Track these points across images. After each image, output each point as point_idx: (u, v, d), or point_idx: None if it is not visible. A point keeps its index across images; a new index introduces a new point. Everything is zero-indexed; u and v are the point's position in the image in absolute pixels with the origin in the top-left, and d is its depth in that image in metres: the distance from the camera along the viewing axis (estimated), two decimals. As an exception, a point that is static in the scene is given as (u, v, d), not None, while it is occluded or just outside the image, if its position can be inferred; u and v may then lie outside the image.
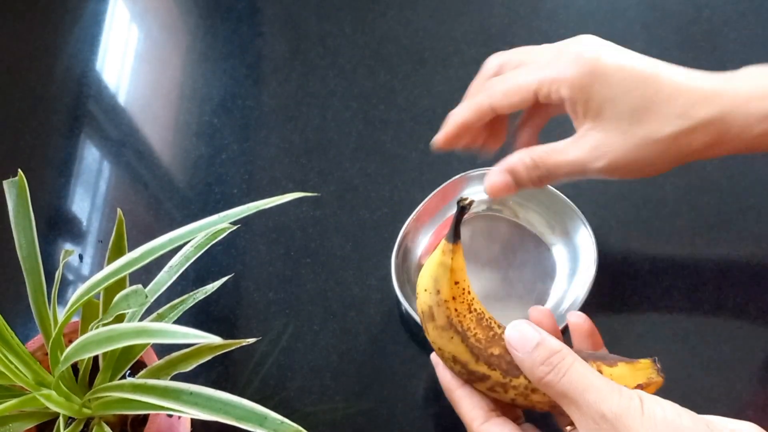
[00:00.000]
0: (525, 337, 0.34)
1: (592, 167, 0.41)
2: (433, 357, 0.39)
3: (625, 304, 0.53)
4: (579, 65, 0.40)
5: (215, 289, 0.44)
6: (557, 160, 0.42)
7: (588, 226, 0.52)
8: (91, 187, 0.63)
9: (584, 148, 0.41)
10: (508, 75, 0.44)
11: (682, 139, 0.39)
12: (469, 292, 0.36)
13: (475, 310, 0.36)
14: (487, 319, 0.36)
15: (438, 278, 0.35)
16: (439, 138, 0.46)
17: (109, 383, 0.38)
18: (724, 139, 0.39)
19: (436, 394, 0.51)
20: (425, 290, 0.36)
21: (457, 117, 0.45)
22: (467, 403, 0.37)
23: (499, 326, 0.37)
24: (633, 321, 0.52)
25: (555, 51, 0.42)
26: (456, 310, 0.36)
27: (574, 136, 0.42)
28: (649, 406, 0.31)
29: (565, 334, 0.45)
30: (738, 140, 0.39)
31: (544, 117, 0.48)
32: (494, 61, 0.47)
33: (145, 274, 0.45)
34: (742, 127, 0.38)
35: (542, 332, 0.34)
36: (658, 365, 0.36)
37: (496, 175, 0.44)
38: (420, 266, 0.54)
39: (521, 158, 0.43)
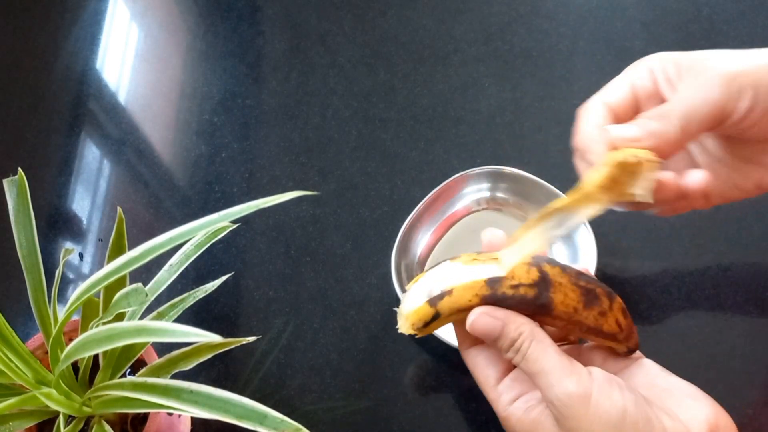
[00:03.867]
0: (486, 329, 0.34)
1: (710, 85, 0.36)
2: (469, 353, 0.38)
3: (624, 302, 0.53)
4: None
5: (215, 287, 0.44)
6: (679, 104, 0.36)
7: (588, 225, 0.52)
8: (92, 186, 0.63)
9: (690, 85, 0.36)
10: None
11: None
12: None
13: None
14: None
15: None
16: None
17: (110, 382, 0.38)
18: None
19: (436, 392, 0.51)
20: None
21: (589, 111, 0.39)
22: (482, 361, 0.37)
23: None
24: (632, 319, 0.52)
25: None
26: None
27: (677, 94, 0.37)
28: (596, 396, 0.31)
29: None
30: None
31: None
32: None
33: (146, 272, 0.45)
34: None
35: (503, 317, 0.34)
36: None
37: (629, 126, 0.37)
38: (420, 264, 0.55)
39: (645, 116, 0.37)
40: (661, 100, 0.39)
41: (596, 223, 0.52)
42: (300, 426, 0.31)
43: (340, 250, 0.57)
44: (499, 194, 0.56)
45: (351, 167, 0.61)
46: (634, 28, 0.67)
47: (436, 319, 0.35)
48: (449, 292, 0.35)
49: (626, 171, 0.36)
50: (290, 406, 0.51)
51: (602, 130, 0.37)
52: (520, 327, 0.34)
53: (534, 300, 0.35)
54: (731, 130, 0.37)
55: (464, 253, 0.37)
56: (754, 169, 0.40)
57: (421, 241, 0.55)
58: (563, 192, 0.53)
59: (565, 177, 0.58)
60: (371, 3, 0.71)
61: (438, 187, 0.55)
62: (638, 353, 0.38)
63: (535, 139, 0.61)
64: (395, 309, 0.37)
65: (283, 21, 0.71)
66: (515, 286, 0.34)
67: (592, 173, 0.36)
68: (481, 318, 0.34)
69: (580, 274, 0.36)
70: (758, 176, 0.40)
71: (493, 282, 0.35)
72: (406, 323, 0.36)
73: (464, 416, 0.50)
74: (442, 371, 0.52)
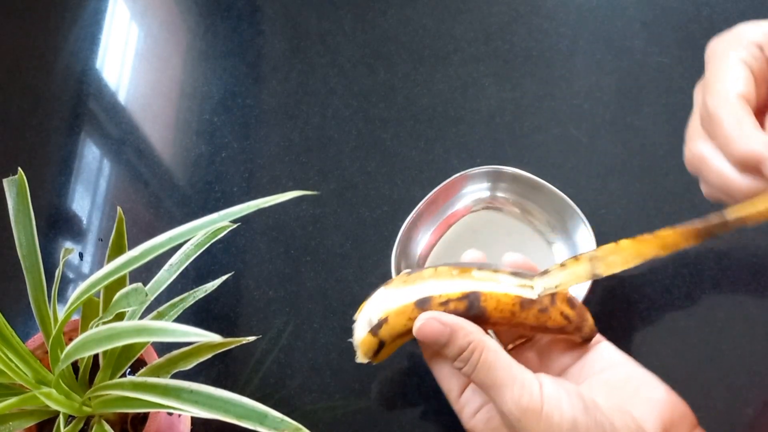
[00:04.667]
0: (433, 335, 0.34)
1: None
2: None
3: (624, 302, 0.53)
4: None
5: (215, 287, 0.44)
6: None
7: (587, 225, 0.52)
8: (91, 186, 0.63)
9: None
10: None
11: None
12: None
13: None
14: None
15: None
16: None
17: (110, 381, 0.38)
18: None
19: (436, 392, 0.51)
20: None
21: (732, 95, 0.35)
22: (446, 372, 0.36)
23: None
24: (632, 319, 0.52)
25: None
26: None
27: None
28: (547, 410, 0.31)
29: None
30: None
31: None
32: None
33: (146, 272, 0.45)
34: None
35: (451, 324, 0.33)
36: None
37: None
38: (420, 264, 0.55)
39: None
40: None
41: (596, 223, 0.52)
42: (300, 426, 0.31)
43: (340, 249, 0.57)
44: (499, 194, 0.56)
45: (351, 167, 0.61)
46: (634, 27, 0.67)
47: (382, 347, 0.36)
48: (385, 320, 0.35)
49: None
50: (290, 405, 0.51)
51: None
52: (469, 335, 0.33)
53: (466, 312, 0.35)
54: None
55: (400, 273, 0.37)
56: None
57: (421, 241, 0.55)
58: (564, 192, 0.53)
59: (565, 177, 0.58)
60: (371, 2, 0.71)
61: (438, 187, 0.55)
62: (597, 337, 0.38)
63: (535, 139, 0.61)
64: (350, 341, 0.38)
65: (283, 21, 0.71)
66: (444, 303, 0.35)
67: None
68: (428, 323, 0.34)
69: (514, 274, 0.36)
70: None
71: (422, 303, 0.35)
72: (360, 354, 0.37)
73: (464, 416, 0.50)
74: (442, 371, 0.52)
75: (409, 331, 0.35)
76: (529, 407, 0.31)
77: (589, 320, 0.37)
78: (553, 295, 0.35)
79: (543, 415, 0.31)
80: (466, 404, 0.35)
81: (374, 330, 0.36)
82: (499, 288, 0.35)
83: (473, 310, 0.34)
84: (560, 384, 0.33)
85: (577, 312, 0.36)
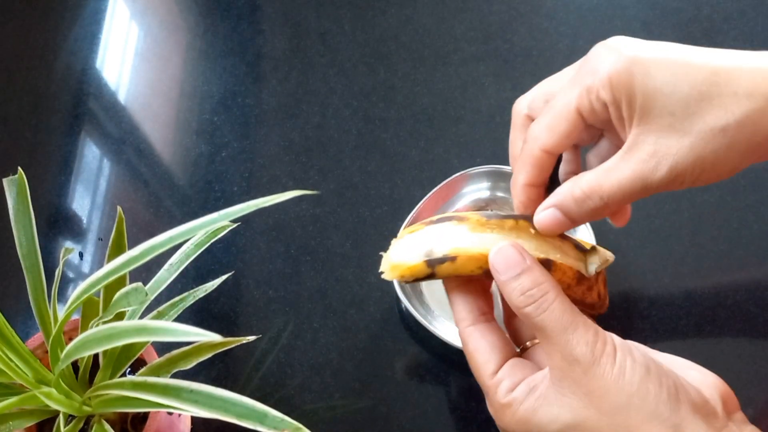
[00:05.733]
0: (509, 262, 0.33)
1: (653, 180, 0.33)
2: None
3: (624, 302, 0.53)
4: (612, 62, 0.33)
5: (215, 286, 0.44)
6: (611, 183, 0.34)
7: (587, 224, 0.52)
8: (91, 185, 0.63)
9: (638, 159, 0.34)
10: (544, 111, 0.38)
11: (754, 122, 0.32)
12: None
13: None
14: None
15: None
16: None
17: (110, 381, 0.38)
18: None
19: (436, 391, 0.51)
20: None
21: (518, 186, 0.39)
22: (484, 345, 0.35)
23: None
24: (632, 319, 0.52)
25: (579, 63, 0.37)
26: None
27: (623, 149, 0.35)
28: (621, 358, 0.31)
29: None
30: None
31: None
32: (520, 106, 0.42)
33: (146, 271, 0.45)
34: None
35: (529, 259, 0.33)
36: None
37: (544, 212, 0.37)
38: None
39: (569, 190, 0.36)
40: (613, 128, 0.36)
41: (596, 223, 0.52)
42: (300, 425, 0.31)
43: (339, 249, 0.57)
44: (499, 194, 0.56)
45: (351, 166, 0.61)
46: (634, 27, 0.67)
47: (429, 278, 0.35)
48: (452, 259, 0.34)
49: None
50: (290, 405, 0.51)
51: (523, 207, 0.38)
52: (542, 277, 0.33)
53: None
54: None
55: (472, 212, 0.36)
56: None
57: (421, 241, 0.55)
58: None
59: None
60: (371, 2, 0.71)
61: (438, 187, 0.55)
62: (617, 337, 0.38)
63: (535, 138, 0.61)
64: (382, 254, 0.36)
65: (283, 20, 0.71)
66: None
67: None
68: (509, 249, 0.33)
69: (577, 247, 0.36)
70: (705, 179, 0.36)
71: None
72: (393, 273, 0.35)
73: (464, 415, 0.50)
74: (442, 371, 0.52)
75: (470, 276, 0.35)
76: (605, 351, 0.31)
77: (607, 301, 0.39)
78: (598, 274, 0.36)
79: (618, 360, 0.31)
80: (504, 379, 0.34)
81: (433, 263, 0.34)
82: (567, 260, 0.35)
83: None
84: (627, 341, 0.33)
85: (605, 292, 0.38)
